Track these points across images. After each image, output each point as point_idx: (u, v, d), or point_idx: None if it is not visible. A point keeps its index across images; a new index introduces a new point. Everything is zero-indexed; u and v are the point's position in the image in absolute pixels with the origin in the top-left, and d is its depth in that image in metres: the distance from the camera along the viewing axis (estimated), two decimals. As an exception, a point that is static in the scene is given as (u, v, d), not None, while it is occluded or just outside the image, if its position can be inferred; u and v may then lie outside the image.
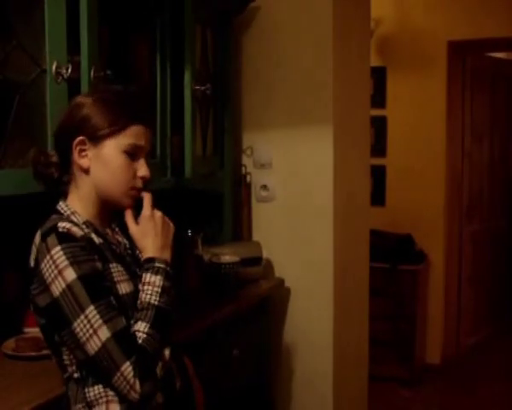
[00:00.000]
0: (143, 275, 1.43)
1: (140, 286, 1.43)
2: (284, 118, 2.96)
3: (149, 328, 1.36)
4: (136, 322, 1.38)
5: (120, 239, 1.55)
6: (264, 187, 3.02)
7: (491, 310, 5.30)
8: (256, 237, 3.04)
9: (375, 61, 4.35)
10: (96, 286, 1.33)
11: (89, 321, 1.29)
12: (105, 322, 1.30)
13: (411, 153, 4.66)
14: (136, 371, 1.30)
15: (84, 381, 1.38)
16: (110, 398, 1.36)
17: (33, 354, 1.79)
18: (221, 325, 2.38)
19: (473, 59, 4.84)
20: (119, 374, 1.30)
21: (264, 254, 2.88)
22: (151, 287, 1.41)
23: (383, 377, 4.30)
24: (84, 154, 1.43)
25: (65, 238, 1.33)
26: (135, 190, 1.46)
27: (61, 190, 1.50)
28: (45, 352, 1.78)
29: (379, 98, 4.63)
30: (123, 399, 1.34)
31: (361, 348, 3.40)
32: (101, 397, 1.37)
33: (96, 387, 1.37)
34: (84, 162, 1.43)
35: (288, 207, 2.98)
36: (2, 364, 1.77)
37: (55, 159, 1.50)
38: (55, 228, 1.34)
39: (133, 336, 1.35)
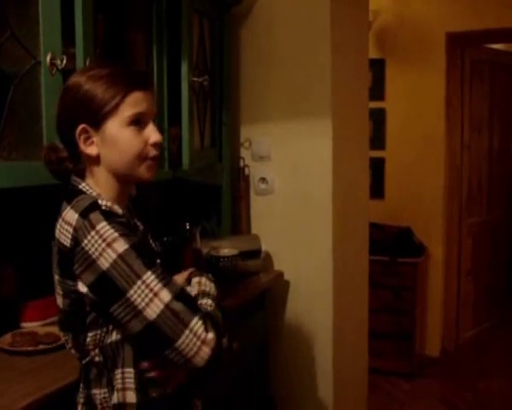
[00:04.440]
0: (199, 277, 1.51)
1: (196, 280, 1.49)
2: (282, 110, 2.94)
3: (215, 306, 1.39)
4: (201, 299, 1.40)
5: (138, 224, 1.52)
6: (263, 180, 3.00)
7: (490, 302, 5.29)
8: (255, 229, 3.02)
9: (373, 53, 4.33)
10: (147, 255, 1.30)
11: (147, 286, 1.26)
12: (164, 285, 1.27)
13: (410, 145, 4.64)
14: (205, 326, 1.28)
15: (105, 365, 1.35)
16: (127, 385, 1.34)
17: (30, 348, 1.78)
18: (220, 318, 2.36)
19: (472, 50, 4.81)
20: (187, 332, 1.26)
21: (263, 247, 2.87)
22: (209, 288, 1.47)
23: (383, 370, 4.29)
24: (89, 141, 1.37)
25: (109, 215, 1.30)
26: (151, 160, 1.40)
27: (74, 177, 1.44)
28: (42, 347, 1.77)
29: (378, 90, 4.61)
30: (186, 364, 1.29)
31: (361, 341, 3.39)
32: (120, 382, 1.35)
33: (117, 371, 1.35)
34: (91, 150, 1.37)
35: (287, 199, 2.96)
36: (-2, 359, 1.76)
37: (65, 153, 1.43)
38: (96, 205, 1.30)
39: (194, 299, 1.37)
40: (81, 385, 1.42)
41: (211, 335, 1.28)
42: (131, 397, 1.35)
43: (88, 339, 1.35)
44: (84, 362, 1.39)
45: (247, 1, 2.88)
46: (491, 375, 4.43)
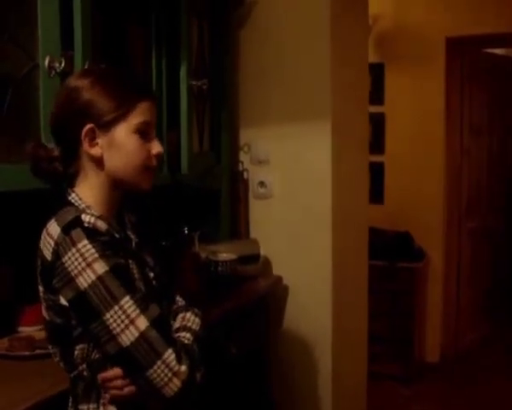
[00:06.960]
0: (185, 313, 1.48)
1: (181, 316, 1.47)
2: (282, 114, 2.93)
3: (193, 340, 1.37)
4: (180, 332, 1.39)
5: (132, 236, 1.49)
6: (262, 184, 2.99)
7: (489, 307, 5.28)
8: (254, 234, 3.01)
9: (373, 58, 4.32)
10: (128, 278, 1.30)
11: (124, 312, 1.24)
12: (142, 311, 1.26)
13: (410, 150, 4.64)
14: (179, 358, 1.27)
15: (93, 380, 1.33)
16: (105, 401, 1.33)
17: (27, 353, 1.77)
18: (219, 323, 2.35)
19: (471, 55, 4.82)
20: (159, 362, 1.25)
21: (262, 252, 2.86)
22: (191, 323, 1.45)
23: (382, 375, 4.28)
24: (94, 142, 1.35)
25: (91, 233, 1.27)
26: (151, 171, 1.41)
27: (64, 184, 1.41)
28: (39, 351, 1.76)
29: (377, 95, 4.61)
30: (155, 393, 1.27)
31: (360, 346, 3.38)
32: (107, 398, 1.33)
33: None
34: (95, 152, 1.35)
35: (286, 204, 2.95)
36: (-5, 364, 1.75)
37: (56, 152, 1.39)
38: (78, 221, 1.28)
39: (171, 327, 1.37)
40: (70, 399, 1.39)
41: (183, 367, 1.27)
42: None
43: (76, 352, 1.32)
44: (72, 376, 1.36)
45: (247, 4, 2.88)
46: (490, 380, 4.42)
